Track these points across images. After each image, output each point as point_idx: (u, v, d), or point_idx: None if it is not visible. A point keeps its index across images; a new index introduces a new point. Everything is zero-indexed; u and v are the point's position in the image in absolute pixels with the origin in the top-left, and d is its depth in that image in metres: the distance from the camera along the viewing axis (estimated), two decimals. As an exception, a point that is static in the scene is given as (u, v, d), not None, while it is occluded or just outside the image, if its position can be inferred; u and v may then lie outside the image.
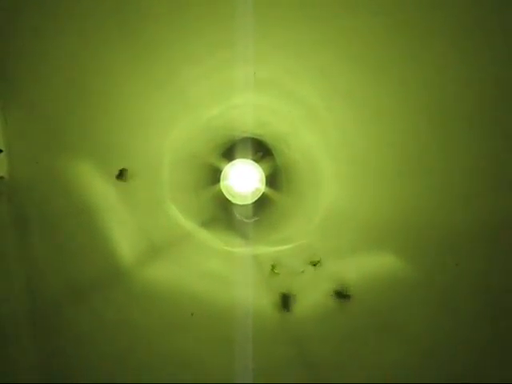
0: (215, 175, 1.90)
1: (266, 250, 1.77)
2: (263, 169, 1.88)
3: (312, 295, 1.62)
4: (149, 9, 1.39)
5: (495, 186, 1.38)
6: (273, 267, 1.68)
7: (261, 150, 2.00)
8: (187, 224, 1.76)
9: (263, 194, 1.89)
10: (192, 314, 1.57)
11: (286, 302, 1.62)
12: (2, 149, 1.42)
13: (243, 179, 1.88)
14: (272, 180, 1.98)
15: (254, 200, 1.91)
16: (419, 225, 1.46)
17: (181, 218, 1.74)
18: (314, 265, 1.64)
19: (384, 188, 1.52)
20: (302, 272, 1.65)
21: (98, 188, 1.54)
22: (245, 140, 1.98)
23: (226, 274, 1.70)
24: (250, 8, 1.38)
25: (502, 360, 1.41)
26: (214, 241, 1.80)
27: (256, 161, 1.92)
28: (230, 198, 1.90)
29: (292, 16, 1.40)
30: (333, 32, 1.40)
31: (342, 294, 1.58)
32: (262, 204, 2.00)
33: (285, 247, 1.74)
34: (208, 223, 1.89)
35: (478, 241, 1.40)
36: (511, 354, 1.40)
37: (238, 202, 1.92)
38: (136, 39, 1.43)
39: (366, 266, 1.55)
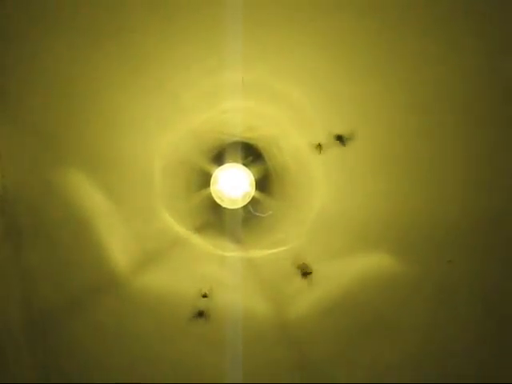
0: (206, 180, 1.89)
1: (259, 253, 1.78)
2: (253, 172, 1.89)
3: (306, 297, 1.63)
4: (138, 16, 1.38)
5: (487, 183, 1.41)
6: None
7: (251, 154, 2.01)
8: (180, 229, 1.75)
9: (254, 197, 1.89)
10: (189, 320, 1.57)
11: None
12: None
13: (233, 183, 1.88)
14: (263, 183, 1.98)
15: (244, 204, 1.92)
16: (412, 224, 1.48)
17: (173, 223, 1.73)
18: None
19: (375, 188, 1.54)
20: (296, 274, 1.66)
21: (90, 196, 1.53)
22: (235, 144, 1.98)
23: (220, 278, 1.70)
24: (237, 14, 1.38)
25: (500, 358, 1.43)
26: (207, 246, 1.80)
27: (246, 164, 1.92)
28: (219, 202, 1.90)
29: (278, 20, 1.41)
30: (320, 34, 1.41)
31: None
32: (253, 208, 2.01)
33: (277, 250, 1.75)
34: (201, 228, 1.88)
35: (471, 238, 1.43)
36: (509, 351, 1.43)
37: (228, 206, 1.92)
38: (125, 46, 1.42)
39: (359, 267, 1.57)
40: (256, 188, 1.89)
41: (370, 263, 1.55)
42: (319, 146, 1.58)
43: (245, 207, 1.97)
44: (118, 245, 1.56)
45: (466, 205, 1.44)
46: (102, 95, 1.48)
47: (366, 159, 1.54)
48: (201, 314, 1.60)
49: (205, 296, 1.62)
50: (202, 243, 1.80)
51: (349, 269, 1.59)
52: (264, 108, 1.72)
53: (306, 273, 1.63)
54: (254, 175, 1.89)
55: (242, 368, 1.54)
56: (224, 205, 1.91)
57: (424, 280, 1.48)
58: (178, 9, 1.37)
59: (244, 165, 1.91)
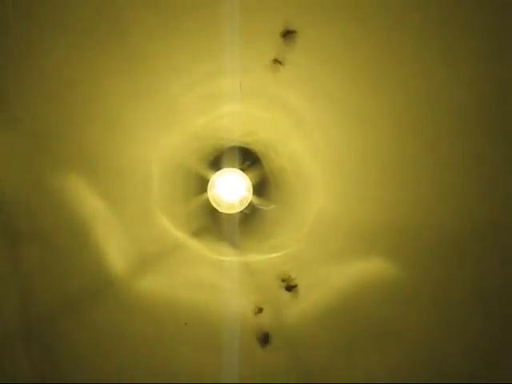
0: (203, 185, 1.90)
1: (256, 257, 1.78)
2: (251, 177, 1.89)
3: (303, 302, 1.63)
4: (137, 21, 1.39)
5: (485, 187, 1.42)
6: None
7: (249, 159, 2.01)
8: (178, 234, 1.75)
9: (252, 202, 1.90)
10: (186, 324, 1.56)
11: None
12: None
13: (230, 188, 1.88)
14: (261, 188, 1.99)
15: (241, 209, 1.92)
16: (409, 228, 1.48)
17: (171, 228, 1.73)
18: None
19: (373, 192, 1.54)
20: (294, 279, 1.66)
21: (88, 200, 1.52)
22: (232, 149, 1.99)
23: (218, 282, 1.70)
24: (235, 19, 1.39)
25: (497, 362, 1.43)
26: (205, 250, 1.80)
27: (243, 169, 1.92)
28: (216, 206, 1.90)
29: (277, 25, 1.42)
30: (317, 38, 1.42)
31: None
32: (250, 212, 2.01)
33: (275, 255, 1.75)
34: (198, 232, 1.88)
35: (469, 242, 1.43)
36: (506, 355, 1.43)
37: (225, 211, 1.92)
38: (123, 51, 1.42)
39: (357, 272, 1.57)
40: (253, 193, 1.89)
41: (368, 268, 1.55)
42: (277, 61, 1.50)
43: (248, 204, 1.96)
44: (115, 248, 1.56)
45: (464, 209, 1.45)
46: (100, 99, 1.48)
47: (364, 164, 1.55)
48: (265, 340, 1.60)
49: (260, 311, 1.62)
50: (200, 248, 1.80)
51: (346, 273, 1.59)
52: (262, 113, 1.73)
53: (290, 286, 1.64)
54: (252, 180, 1.90)
55: (238, 372, 1.54)
56: (221, 209, 1.91)
57: (422, 284, 1.48)
58: (177, 14, 1.38)
59: (241, 169, 1.92)
